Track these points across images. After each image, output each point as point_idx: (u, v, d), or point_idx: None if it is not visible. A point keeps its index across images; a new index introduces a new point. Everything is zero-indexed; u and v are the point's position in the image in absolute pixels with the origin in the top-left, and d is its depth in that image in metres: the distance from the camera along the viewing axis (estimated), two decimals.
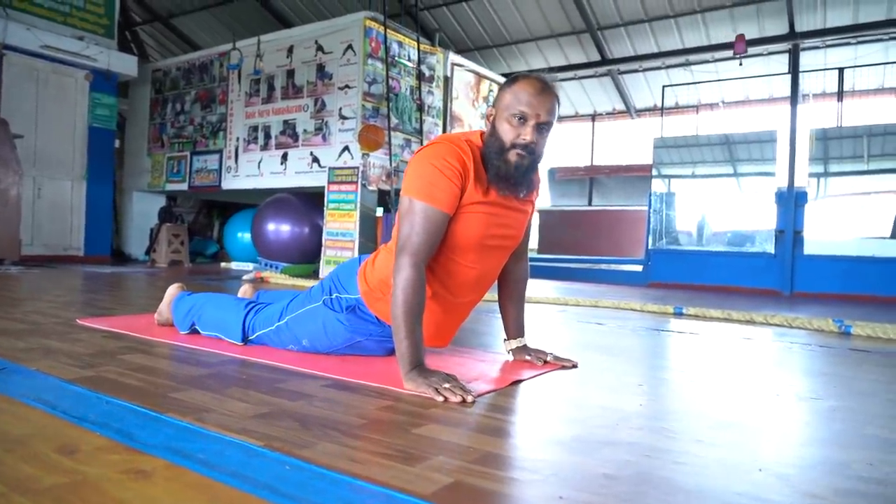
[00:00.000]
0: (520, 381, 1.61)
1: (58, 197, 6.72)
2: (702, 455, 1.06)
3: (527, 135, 1.54)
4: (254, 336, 1.91)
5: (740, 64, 7.29)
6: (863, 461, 1.06)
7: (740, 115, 9.21)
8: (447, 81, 6.88)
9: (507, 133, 1.56)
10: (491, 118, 1.61)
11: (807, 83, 8.00)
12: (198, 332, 2.06)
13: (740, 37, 6.87)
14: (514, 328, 1.92)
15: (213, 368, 1.62)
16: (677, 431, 1.21)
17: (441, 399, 1.36)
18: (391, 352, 1.73)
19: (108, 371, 1.52)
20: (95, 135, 7.10)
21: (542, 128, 1.57)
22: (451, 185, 1.54)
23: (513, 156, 1.56)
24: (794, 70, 6.97)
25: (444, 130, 6.72)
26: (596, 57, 8.83)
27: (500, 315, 1.96)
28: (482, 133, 1.67)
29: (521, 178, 1.59)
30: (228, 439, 1.04)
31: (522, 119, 1.54)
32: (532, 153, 1.57)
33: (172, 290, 2.22)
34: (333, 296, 1.78)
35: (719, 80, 8.18)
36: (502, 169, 1.57)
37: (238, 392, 1.38)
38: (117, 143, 7.67)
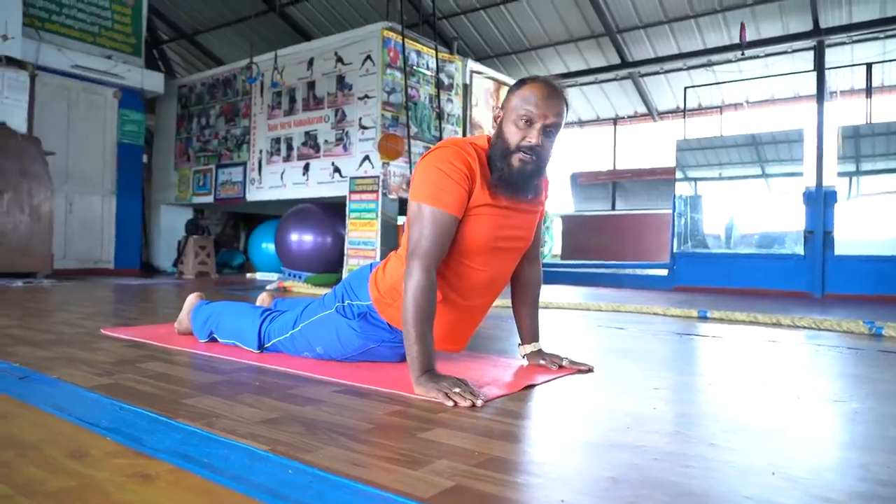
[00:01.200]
0: (533, 386, 1.60)
1: (88, 212, 6.91)
2: (713, 458, 1.04)
3: (532, 137, 1.54)
4: (269, 343, 1.92)
5: (742, 54, 7.18)
6: (882, 464, 1.03)
7: (766, 115, 9.05)
8: (466, 89, 6.90)
9: (512, 135, 1.55)
10: (498, 120, 1.62)
11: (833, 80, 7.83)
12: (216, 341, 2.09)
13: (743, 25, 6.77)
14: (529, 332, 1.90)
15: (228, 375, 1.64)
16: (690, 435, 1.19)
17: (450, 404, 1.35)
18: (405, 358, 1.73)
19: (126, 378, 1.55)
20: (124, 150, 7.28)
21: (549, 131, 1.56)
22: (459, 188, 1.54)
23: (516, 160, 1.56)
24: (820, 67, 6.82)
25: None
26: (616, 60, 8.77)
27: (514, 320, 1.95)
28: (489, 137, 1.67)
29: (524, 181, 1.59)
30: (234, 443, 1.05)
31: (529, 121, 1.54)
32: (537, 156, 1.57)
33: (192, 300, 2.25)
34: (345, 303, 1.79)
35: (743, 80, 8.05)
36: (505, 172, 1.57)
37: (249, 398, 1.39)
38: (145, 158, 7.86)
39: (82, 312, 3.09)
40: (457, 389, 1.38)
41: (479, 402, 1.35)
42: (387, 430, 1.17)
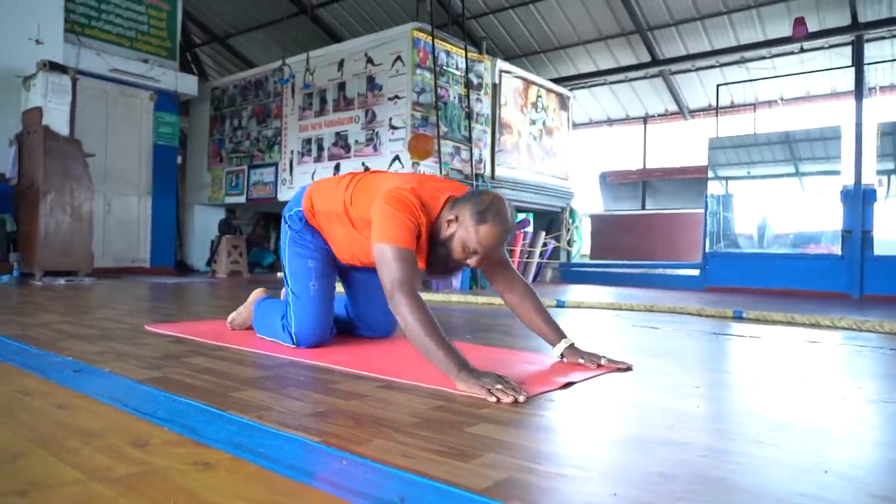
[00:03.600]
0: (572, 383, 1.60)
1: (125, 212, 7.09)
2: (761, 455, 1.03)
3: (472, 263, 1.80)
4: (291, 328, 1.99)
5: (801, 49, 6.97)
6: None
7: (801, 112, 8.86)
8: (495, 88, 6.90)
9: (458, 252, 1.76)
10: (452, 224, 1.75)
11: (872, 76, 7.63)
12: (265, 338, 2.17)
13: (799, 20, 6.53)
14: (553, 332, 1.91)
15: (271, 370, 1.68)
16: (735, 432, 1.18)
17: (493, 399, 1.36)
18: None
19: (174, 372, 1.60)
20: (159, 152, 7.46)
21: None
22: (414, 230, 1.74)
23: (453, 266, 1.83)
24: (859, 62, 6.66)
25: (493, 137, 6.73)
26: (646, 58, 8.68)
27: (533, 333, 1.99)
28: (443, 205, 1.79)
29: (452, 276, 2.02)
30: (287, 435, 1.07)
31: (475, 253, 1.76)
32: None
33: (256, 294, 2.38)
34: (289, 222, 2.10)
35: (777, 77, 7.89)
36: (439, 269, 1.83)
37: (295, 392, 1.42)
38: (179, 160, 8.03)
39: (124, 309, 3.18)
40: (499, 386, 1.39)
41: (521, 398, 1.37)
42: (433, 424, 1.19)
